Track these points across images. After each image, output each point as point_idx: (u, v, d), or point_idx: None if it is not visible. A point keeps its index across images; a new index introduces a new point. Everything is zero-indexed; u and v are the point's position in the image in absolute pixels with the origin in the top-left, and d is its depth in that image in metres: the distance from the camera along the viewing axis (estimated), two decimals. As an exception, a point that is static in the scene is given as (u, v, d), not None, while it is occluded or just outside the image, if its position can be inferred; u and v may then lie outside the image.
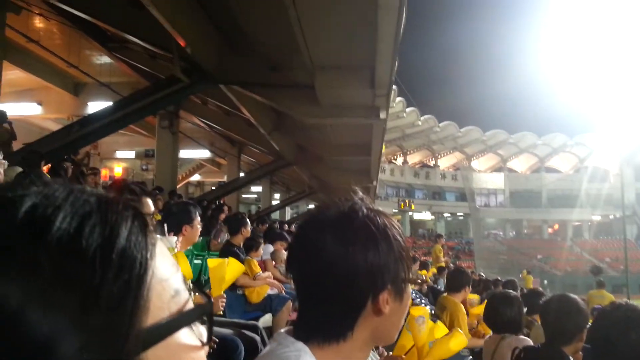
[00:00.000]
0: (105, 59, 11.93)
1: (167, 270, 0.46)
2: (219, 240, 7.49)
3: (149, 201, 3.06)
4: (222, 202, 14.08)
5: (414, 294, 7.65)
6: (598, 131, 51.53)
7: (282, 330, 0.92)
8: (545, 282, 37.32)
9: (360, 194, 0.95)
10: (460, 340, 1.82)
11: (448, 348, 1.82)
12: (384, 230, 0.87)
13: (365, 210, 0.89)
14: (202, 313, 0.49)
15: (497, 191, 58.65)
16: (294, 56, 6.73)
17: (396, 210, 52.09)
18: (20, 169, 4.65)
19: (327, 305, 0.85)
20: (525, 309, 3.74)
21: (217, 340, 2.84)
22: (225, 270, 3.21)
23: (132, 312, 0.40)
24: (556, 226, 57.62)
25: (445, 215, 59.20)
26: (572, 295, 2.77)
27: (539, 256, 49.65)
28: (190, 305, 0.48)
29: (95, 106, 12.30)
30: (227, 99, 8.77)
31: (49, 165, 6.51)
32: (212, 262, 3.30)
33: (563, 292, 3.18)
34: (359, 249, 0.83)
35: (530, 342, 3.40)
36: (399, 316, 0.90)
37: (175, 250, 3.01)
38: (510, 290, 4.12)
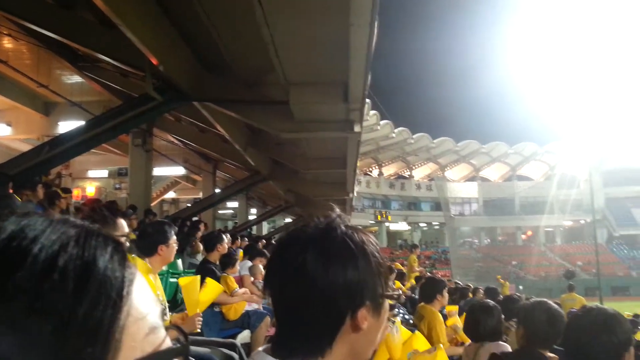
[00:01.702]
0: (76, 78, 11.77)
1: (144, 307, 0.45)
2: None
3: (124, 223, 3.04)
4: (197, 219, 13.97)
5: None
6: (567, 139, 52.87)
7: (260, 349, 0.91)
8: (521, 287, 37.80)
9: (338, 210, 0.95)
10: (442, 357, 1.85)
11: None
12: (362, 247, 0.88)
13: (343, 228, 0.89)
14: (177, 355, 0.47)
15: (471, 200, 59.50)
16: (268, 73, 6.77)
17: (373, 222, 52.33)
18: (-10, 192, 4.56)
19: (306, 323, 0.85)
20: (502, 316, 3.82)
21: None
22: (198, 287, 3.20)
23: (101, 351, 0.39)
24: (529, 232, 58.63)
25: (421, 225, 59.72)
26: (552, 303, 2.86)
27: (514, 262, 50.38)
28: (167, 343, 0.46)
29: (66, 126, 12.13)
30: (201, 116, 8.74)
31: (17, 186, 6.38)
32: (184, 280, 3.28)
33: (538, 296, 3.26)
34: (338, 266, 0.84)
35: (508, 348, 3.47)
36: (377, 331, 0.91)
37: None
38: (489, 300, 4.19)
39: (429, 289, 5.09)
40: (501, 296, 7.92)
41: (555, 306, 2.78)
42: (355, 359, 0.91)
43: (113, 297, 0.41)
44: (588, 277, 40.38)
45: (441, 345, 1.98)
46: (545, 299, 2.91)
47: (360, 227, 0.96)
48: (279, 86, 6.76)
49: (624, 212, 54.61)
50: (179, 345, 0.48)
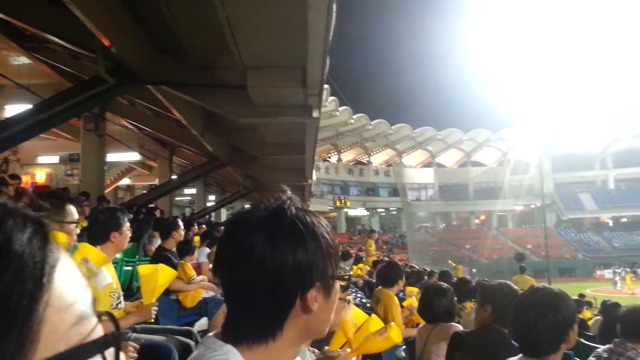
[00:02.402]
0: (23, 60, 11.27)
1: (70, 295, 0.41)
2: (154, 246, 7.31)
3: (73, 209, 2.94)
4: (153, 205, 13.71)
5: (350, 289, 7.79)
6: (519, 126, 54.56)
7: (211, 333, 0.90)
8: (474, 270, 38.95)
9: (289, 192, 0.94)
10: (396, 334, 1.88)
11: (384, 340, 1.86)
12: (312, 228, 0.87)
13: (293, 210, 0.89)
14: (107, 346, 0.43)
15: (427, 185, 60.73)
16: (224, 56, 6.65)
17: (332, 208, 52.69)
18: None
19: (256, 306, 0.85)
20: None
21: (137, 347, 2.74)
22: (158, 276, 3.14)
23: (15, 345, 0.36)
24: (482, 217, 60.45)
25: (379, 210, 60.59)
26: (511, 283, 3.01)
27: (467, 246, 51.87)
28: (98, 333, 0.43)
29: (13, 109, 11.62)
30: (156, 100, 8.53)
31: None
32: (144, 270, 3.20)
33: (490, 279, 3.39)
34: (288, 248, 0.84)
35: (460, 327, 3.57)
36: (328, 312, 0.91)
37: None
38: (443, 282, 4.30)
39: (391, 273, 5.15)
40: (455, 279, 8.14)
41: (517, 287, 2.92)
42: (307, 339, 0.92)
43: (30, 285, 0.37)
44: (538, 259, 42.00)
45: (392, 323, 2.02)
46: (506, 281, 3.05)
47: (318, 213, 0.95)
48: (236, 70, 6.66)
49: (572, 197, 57.01)
50: (109, 335, 0.44)
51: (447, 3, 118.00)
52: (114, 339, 0.44)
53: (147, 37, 7.00)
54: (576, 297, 14.44)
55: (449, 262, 21.31)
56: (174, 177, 17.84)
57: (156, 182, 19.57)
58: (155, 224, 8.27)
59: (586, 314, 12.58)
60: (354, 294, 7.36)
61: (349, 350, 1.97)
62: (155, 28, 6.88)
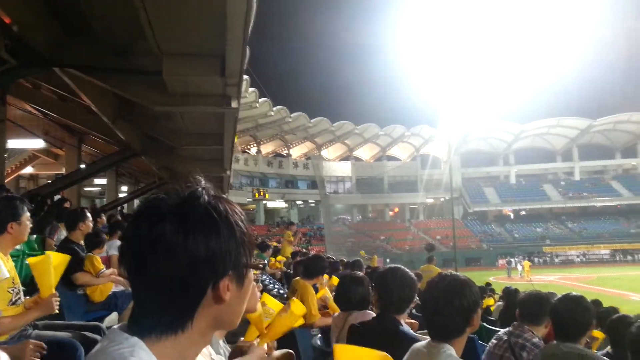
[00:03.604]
0: None
1: None
2: (54, 238, 6.90)
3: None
4: (61, 196, 12.93)
5: (268, 280, 7.81)
6: (431, 123, 57.10)
7: (115, 326, 0.85)
8: (388, 260, 40.36)
9: (203, 180, 0.91)
10: (297, 307, 1.88)
11: (289, 316, 1.85)
12: (226, 216, 0.85)
13: (206, 197, 0.86)
14: None
15: (345, 178, 61.98)
16: (139, 40, 6.35)
17: (251, 200, 52.32)
18: None
19: (165, 297, 0.81)
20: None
21: (44, 347, 2.59)
22: (51, 265, 2.95)
23: None
24: (396, 209, 62.76)
25: (298, 202, 61.05)
26: (404, 269, 3.01)
27: (382, 237, 53.61)
28: None
29: None
30: (64, 83, 7.99)
31: None
32: (33, 260, 3.01)
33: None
34: (200, 236, 0.81)
35: (373, 315, 3.69)
36: (241, 302, 0.89)
37: None
38: (358, 272, 4.41)
39: (314, 266, 5.19)
40: (369, 268, 8.39)
41: (408, 272, 2.89)
42: (220, 329, 0.90)
43: None
44: (446, 249, 44.28)
45: (293, 298, 2.05)
46: (398, 265, 3.07)
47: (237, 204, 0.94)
48: (151, 55, 6.40)
49: (477, 191, 60.60)
50: None
51: (371, 1, 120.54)
52: None
53: (54, 16, 6.53)
54: (483, 285, 15.36)
55: (361, 252, 21.91)
56: (82, 166, 16.84)
57: (63, 171, 18.40)
58: (61, 215, 7.79)
59: (489, 301, 13.41)
60: (272, 285, 7.38)
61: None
62: (64, 6, 6.44)
